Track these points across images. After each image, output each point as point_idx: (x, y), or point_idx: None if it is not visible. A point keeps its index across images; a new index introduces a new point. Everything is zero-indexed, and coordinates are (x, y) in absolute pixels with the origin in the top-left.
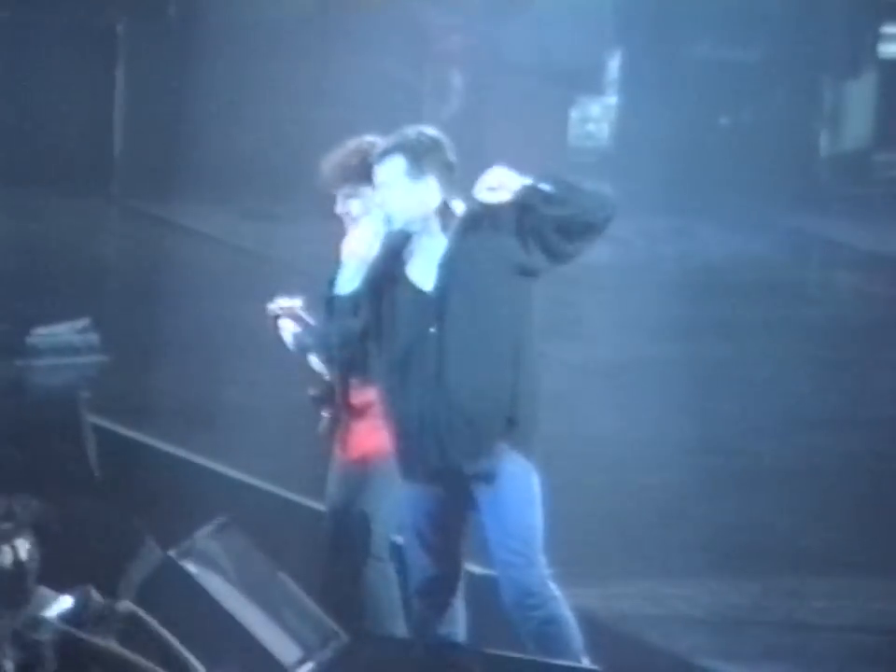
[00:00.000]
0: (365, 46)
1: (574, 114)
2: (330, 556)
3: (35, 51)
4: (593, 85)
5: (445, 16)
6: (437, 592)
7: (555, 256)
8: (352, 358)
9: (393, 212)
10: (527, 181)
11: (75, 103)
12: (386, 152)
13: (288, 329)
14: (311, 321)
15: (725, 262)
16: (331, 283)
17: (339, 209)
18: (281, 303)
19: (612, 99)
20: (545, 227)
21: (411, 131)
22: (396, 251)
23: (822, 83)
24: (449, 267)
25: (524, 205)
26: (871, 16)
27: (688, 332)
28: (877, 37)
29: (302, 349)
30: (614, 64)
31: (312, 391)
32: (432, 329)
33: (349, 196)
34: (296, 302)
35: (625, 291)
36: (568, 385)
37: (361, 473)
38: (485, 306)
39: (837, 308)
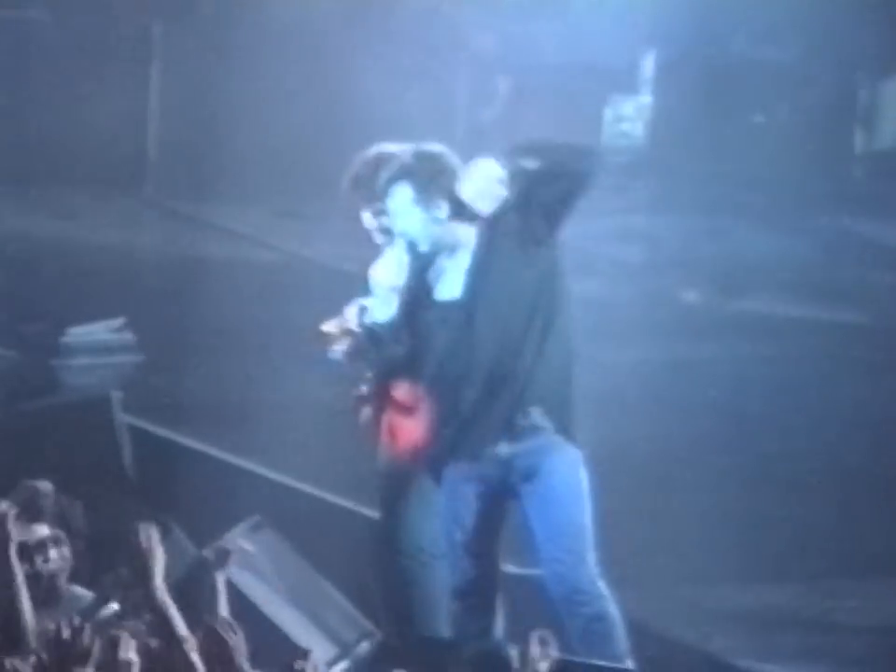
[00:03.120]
0: (400, 45)
1: (608, 113)
2: (380, 552)
3: (70, 52)
4: (627, 84)
5: (480, 15)
6: (475, 592)
7: (556, 221)
8: (395, 367)
9: (412, 238)
10: (508, 167)
11: (110, 103)
12: (391, 181)
13: (341, 349)
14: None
15: (760, 261)
16: (363, 309)
17: (366, 223)
18: (331, 327)
19: (646, 98)
20: (539, 205)
21: (409, 153)
22: (423, 277)
23: (857, 82)
24: (475, 272)
25: (520, 193)
26: None
27: (722, 332)
28: None
29: (355, 364)
30: (648, 63)
31: (357, 391)
32: (467, 334)
33: (369, 210)
34: (343, 320)
35: (660, 290)
36: (602, 385)
37: (410, 465)
38: (511, 306)
39: (873, 307)
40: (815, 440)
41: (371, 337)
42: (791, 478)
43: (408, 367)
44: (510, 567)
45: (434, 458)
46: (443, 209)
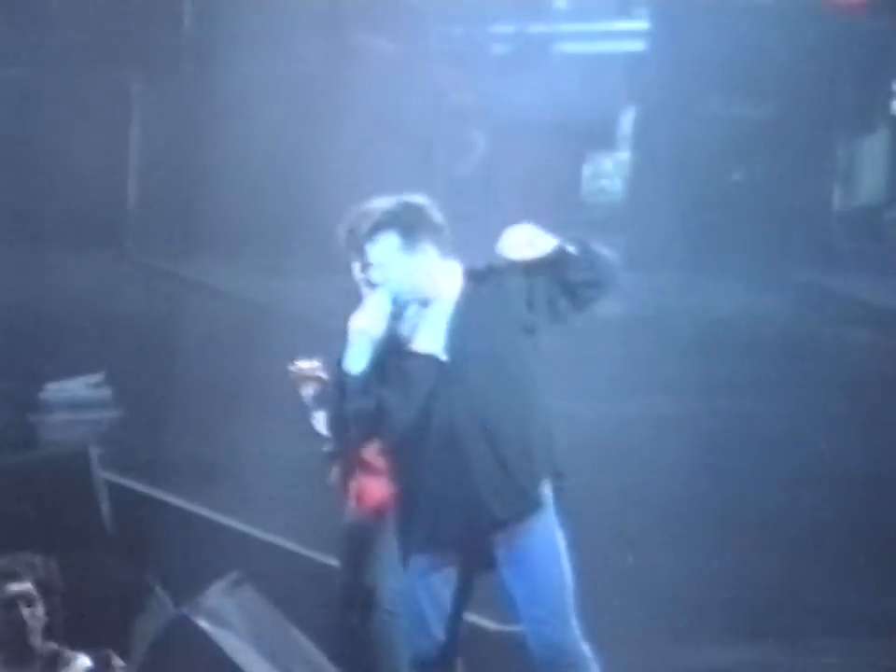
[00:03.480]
0: (379, 101)
1: (586, 169)
2: (343, 609)
3: (49, 108)
4: (605, 140)
5: (459, 72)
6: (437, 659)
7: (559, 317)
8: (363, 420)
9: (396, 288)
10: (554, 241)
11: (89, 159)
12: (376, 230)
13: (308, 392)
14: (328, 380)
15: (738, 318)
16: (339, 361)
17: (356, 275)
18: (301, 365)
19: (625, 155)
20: (555, 289)
21: (392, 203)
22: (398, 325)
23: (834, 140)
24: (458, 329)
25: (546, 264)
26: (883, 73)
27: (699, 388)
28: (890, 94)
29: (321, 409)
30: (627, 120)
31: (326, 447)
32: (447, 393)
33: (359, 263)
34: (314, 364)
35: (636, 347)
36: (577, 442)
37: (375, 524)
38: (496, 365)
39: (850, 364)
40: (793, 496)
41: (340, 390)
42: (770, 535)
43: (376, 420)
44: (488, 624)
45: (406, 540)
46: (430, 256)
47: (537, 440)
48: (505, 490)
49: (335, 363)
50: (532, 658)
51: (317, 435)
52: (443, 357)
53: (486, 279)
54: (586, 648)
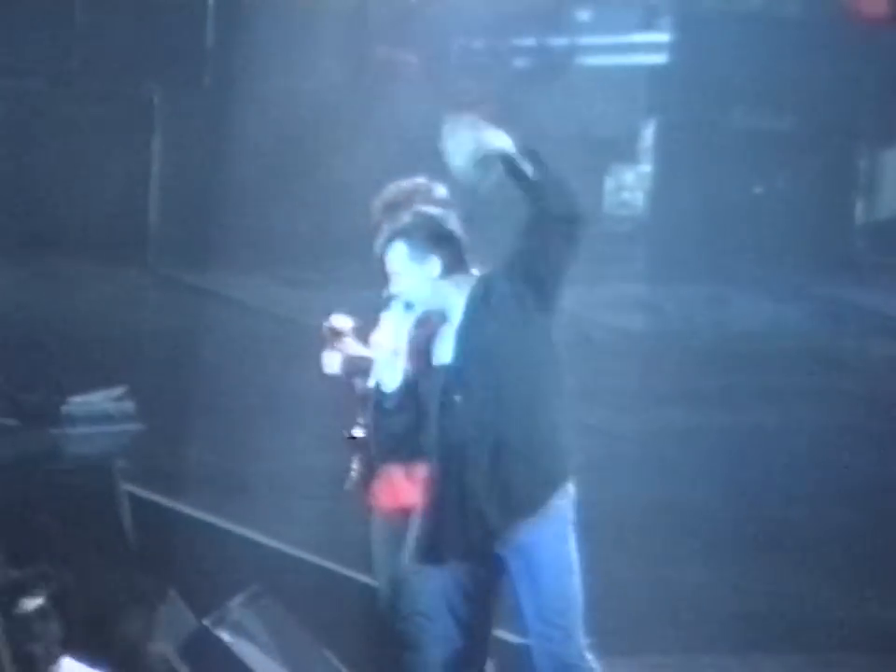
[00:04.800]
0: (401, 113)
1: (609, 182)
2: (381, 617)
3: (71, 122)
4: (627, 153)
5: (480, 84)
6: (465, 665)
7: (548, 292)
8: (398, 438)
9: (409, 297)
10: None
11: (111, 172)
12: (389, 240)
13: (336, 357)
14: (361, 347)
15: (760, 330)
16: (374, 380)
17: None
18: (335, 322)
19: (647, 167)
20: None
21: (410, 214)
22: (424, 342)
23: (857, 152)
24: (462, 337)
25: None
26: None
27: (723, 400)
28: None
29: (348, 376)
30: (648, 133)
31: (349, 433)
32: (457, 398)
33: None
34: (348, 323)
35: (660, 359)
36: (601, 454)
37: (403, 525)
38: (497, 371)
39: (873, 376)
40: (815, 509)
41: (377, 408)
42: (792, 548)
43: (410, 437)
44: (507, 636)
45: (429, 549)
46: (436, 267)
47: (541, 447)
48: (501, 498)
49: (372, 382)
50: (538, 670)
51: (339, 447)
52: (450, 366)
53: (488, 287)
54: (591, 659)
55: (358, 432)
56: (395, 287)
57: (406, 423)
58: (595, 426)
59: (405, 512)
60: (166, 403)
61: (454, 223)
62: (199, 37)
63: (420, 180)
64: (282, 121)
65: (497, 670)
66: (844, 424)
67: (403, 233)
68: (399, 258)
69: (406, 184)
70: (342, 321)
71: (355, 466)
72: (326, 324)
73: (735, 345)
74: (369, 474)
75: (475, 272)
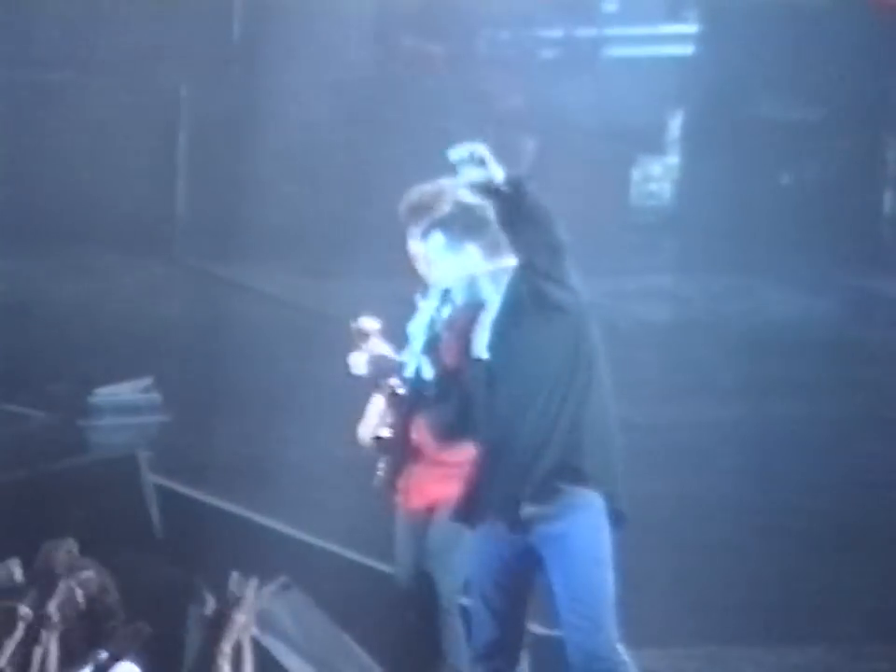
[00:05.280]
0: (426, 106)
1: (635, 173)
2: (404, 610)
3: (98, 112)
4: (654, 144)
5: (507, 76)
6: (499, 655)
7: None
8: (416, 401)
9: (446, 287)
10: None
11: (138, 164)
12: (427, 231)
13: (363, 358)
14: (387, 348)
15: (788, 321)
16: (402, 366)
17: (413, 251)
18: (363, 323)
19: (674, 158)
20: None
21: (450, 203)
22: (463, 329)
23: (885, 143)
24: (496, 329)
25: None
26: None
27: (750, 391)
28: None
29: (374, 377)
30: (675, 124)
31: (378, 433)
32: (494, 390)
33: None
34: (375, 325)
35: (688, 350)
36: (631, 445)
37: (429, 523)
38: (523, 363)
39: None
40: (842, 500)
41: (417, 396)
42: (818, 538)
43: (457, 425)
44: (536, 628)
45: (465, 515)
46: (473, 256)
47: (562, 440)
48: (516, 488)
49: (398, 366)
50: (569, 662)
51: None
52: (484, 358)
53: (514, 283)
54: (622, 651)
55: (385, 432)
56: (432, 276)
57: (450, 410)
58: (619, 416)
59: (430, 511)
60: (192, 394)
61: (489, 213)
62: (226, 29)
63: (444, 182)
64: (308, 114)
65: (531, 663)
66: (871, 414)
67: (441, 223)
68: (435, 248)
69: (429, 187)
70: (369, 322)
71: (381, 465)
72: (353, 324)
73: (761, 336)
74: (396, 474)
75: (512, 262)
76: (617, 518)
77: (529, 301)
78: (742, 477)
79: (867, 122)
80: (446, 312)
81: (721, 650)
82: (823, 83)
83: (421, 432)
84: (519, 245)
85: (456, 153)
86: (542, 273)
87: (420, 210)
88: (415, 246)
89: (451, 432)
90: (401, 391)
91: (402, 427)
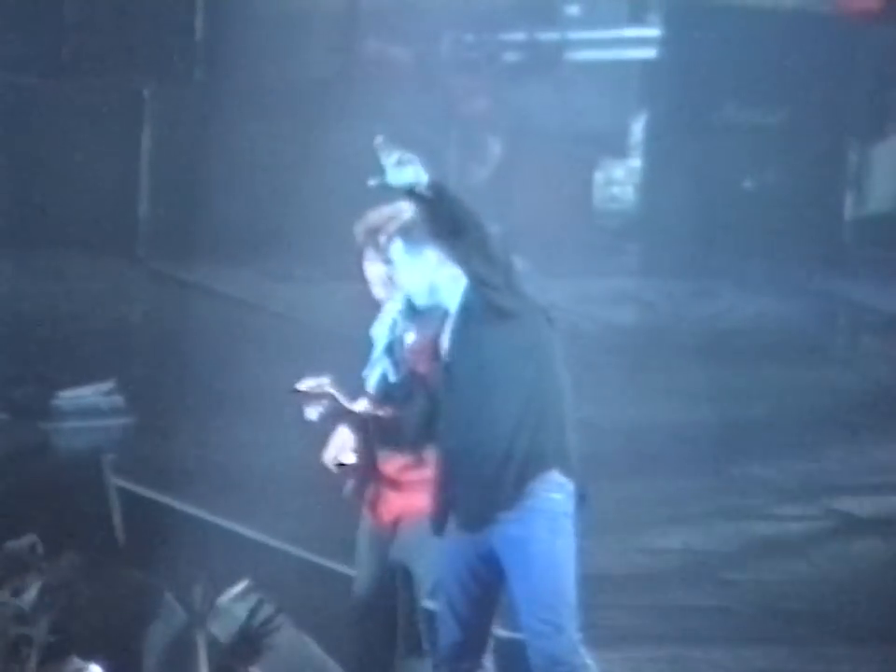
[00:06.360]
0: (390, 108)
1: (599, 176)
2: (364, 621)
3: (61, 115)
4: (617, 148)
5: (470, 80)
6: (464, 658)
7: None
8: (383, 430)
9: (408, 291)
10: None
11: (101, 165)
12: (390, 239)
13: (316, 412)
14: (341, 398)
15: (750, 325)
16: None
17: (370, 274)
18: (308, 384)
19: (636, 162)
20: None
21: (411, 212)
22: (430, 334)
23: (847, 146)
24: (455, 333)
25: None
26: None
27: (713, 395)
28: None
29: (331, 425)
30: (638, 127)
31: (342, 460)
32: (450, 393)
33: (379, 261)
34: (323, 381)
35: (650, 354)
36: (593, 448)
37: (393, 536)
38: (480, 368)
39: (862, 371)
40: (804, 503)
41: (386, 399)
42: (780, 541)
43: (423, 428)
44: (500, 631)
45: (431, 523)
46: (433, 261)
47: (525, 444)
48: (478, 495)
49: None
50: (532, 665)
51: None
52: (446, 362)
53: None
54: (584, 654)
55: (350, 458)
56: (398, 280)
57: (416, 413)
58: (583, 419)
59: (396, 523)
60: (156, 397)
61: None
62: (189, 31)
63: (401, 205)
64: (272, 115)
65: (496, 666)
66: (834, 418)
67: (401, 230)
68: (397, 252)
69: (387, 209)
70: (313, 382)
71: (349, 483)
72: (298, 387)
73: (724, 340)
74: (363, 489)
75: None
76: (580, 501)
77: (478, 308)
78: (704, 480)
79: (830, 126)
80: (409, 315)
81: (684, 652)
82: (786, 87)
83: (386, 458)
84: (454, 257)
85: (385, 153)
86: (483, 282)
87: (377, 232)
88: (372, 269)
89: (417, 435)
90: (362, 410)
91: (367, 451)
